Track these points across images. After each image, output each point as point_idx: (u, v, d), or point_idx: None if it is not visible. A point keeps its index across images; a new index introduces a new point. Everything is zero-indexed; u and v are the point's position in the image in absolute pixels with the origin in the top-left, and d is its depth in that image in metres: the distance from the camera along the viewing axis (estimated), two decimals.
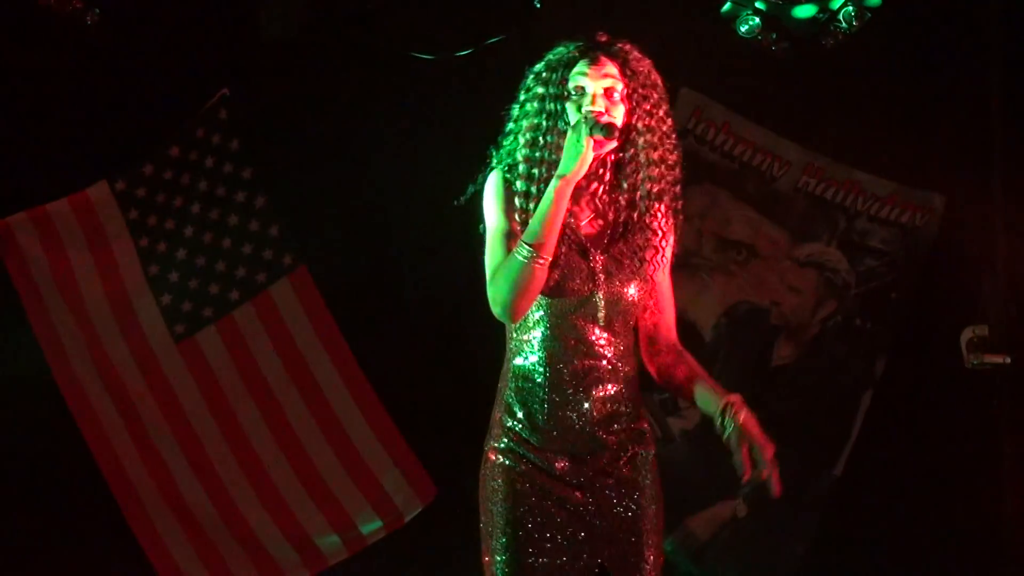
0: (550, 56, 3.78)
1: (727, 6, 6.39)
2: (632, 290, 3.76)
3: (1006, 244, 6.08)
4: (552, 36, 6.08)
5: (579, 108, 3.66)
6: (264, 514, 6.68)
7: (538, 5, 6.42)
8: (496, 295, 3.59)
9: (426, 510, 6.57)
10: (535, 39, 6.36)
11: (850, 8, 6.27)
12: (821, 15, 6.26)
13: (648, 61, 3.79)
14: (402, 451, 6.63)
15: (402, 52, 6.55)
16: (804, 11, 6.26)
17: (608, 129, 3.59)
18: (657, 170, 3.76)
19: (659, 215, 3.80)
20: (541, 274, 3.56)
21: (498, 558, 3.72)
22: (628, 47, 3.79)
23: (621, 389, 3.78)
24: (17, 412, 6.55)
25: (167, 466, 6.67)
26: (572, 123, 3.62)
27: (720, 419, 3.77)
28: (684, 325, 6.63)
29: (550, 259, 3.57)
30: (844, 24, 6.27)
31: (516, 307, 3.59)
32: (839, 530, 6.59)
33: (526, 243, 3.54)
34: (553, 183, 3.56)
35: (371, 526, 6.69)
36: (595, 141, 3.59)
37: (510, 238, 3.64)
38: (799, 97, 6.55)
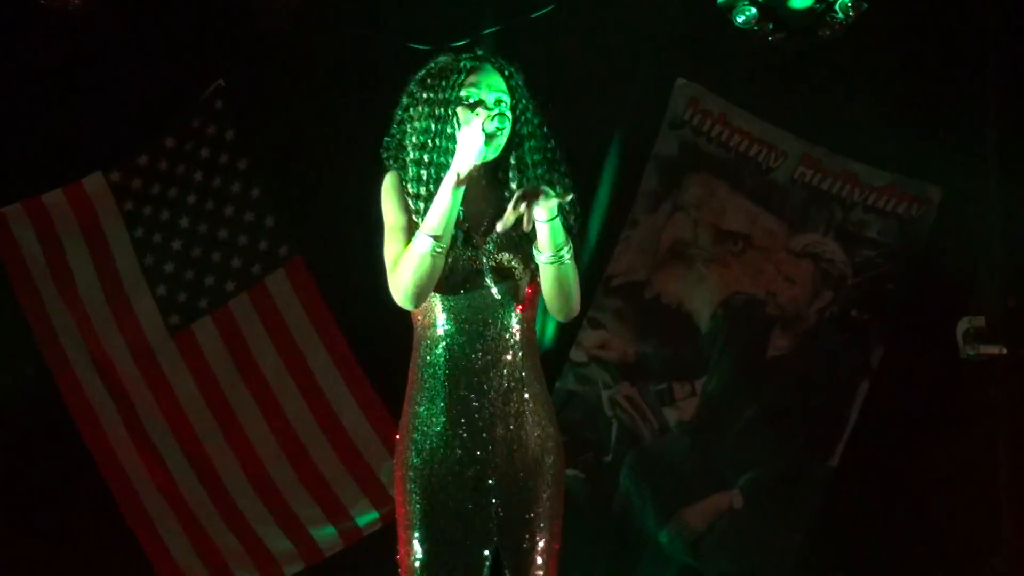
0: (432, 66, 4.01)
1: None
2: (522, 276, 3.95)
3: (1002, 235, 6.08)
4: (546, 27, 6.11)
5: (470, 113, 3.89)
6: (260, 505, 6.68)
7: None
8: (398, 284, 3.86)
9: None
10: (531, 29, 6.38)
11: None
12: (818, 5, 6.24)
13: (522, 74, 4.04)
14: None
15: (398, 42, 6.53)
16: (801, 1, 6.24)
17: (500, 123, 3.83)
18: (542, 169, 3.99)
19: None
20: (439, 262, 3.81)
21: (416, 548, 3.88)
22: (506, 61, 4.04)
23: (523, 374, 3.96)
24: (12, 402, 6.54)
25: (162, 457, 6.67)
26: (466, 124, 3.84)
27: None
28: (681, 316, 6.70)
29: (447, 248, 3.81)
30: (841, 15, 6.25)
31: (417, 294, 3.85)
32: (835, 520, 6.59)
33: (424, 233, 3.79)
34: (448, 177, 3.79)
35: (367, 517, 6.70)
36: (487, 136, 3.81)
37: (407, 232, 3.90)
38: (796, 88, 6.54)
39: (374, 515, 6.69)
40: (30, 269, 6.68)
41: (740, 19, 6.33)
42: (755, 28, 6.35)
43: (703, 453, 6.68)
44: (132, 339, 6.69)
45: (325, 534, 6.70)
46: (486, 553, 3.87)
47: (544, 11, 6.44)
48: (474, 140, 3.76)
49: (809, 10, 6.27)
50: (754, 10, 6.30)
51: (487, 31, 6.46)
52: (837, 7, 6.25)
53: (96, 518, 6.65)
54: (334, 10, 6.65)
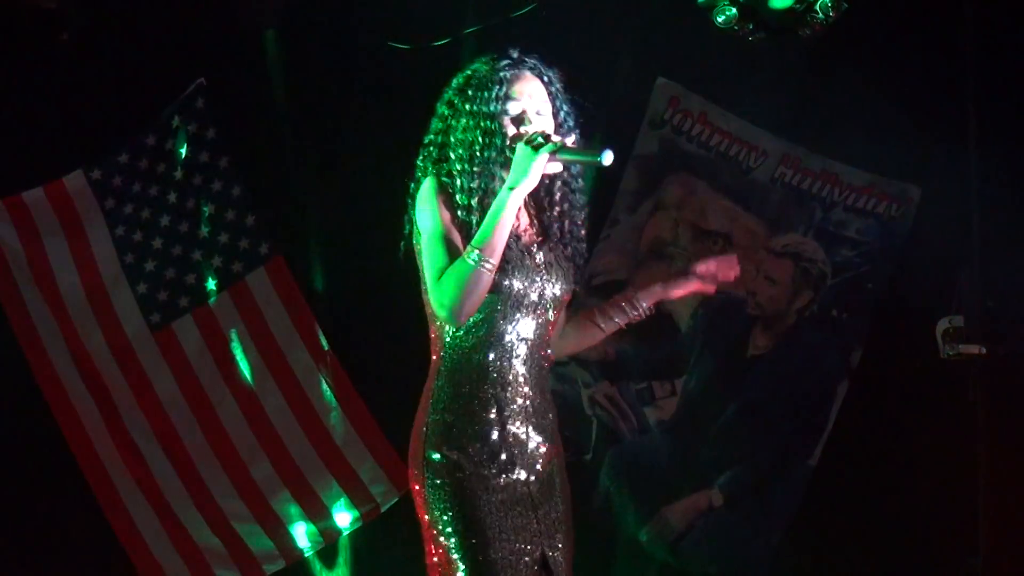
0: (471, 75, 3.92)
1: None
2: (561, 291, 3.93)
3: (981, 235, 6.08)
4: (527, 26, 6.10)
5: (519, 126, 3.81)
6: (241, 504, 6.68)
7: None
8: (443, 298, 3.70)
9: (403, 500, 6.57)
10: (511, 28, 6.38)
11: None
12: (798, 5, 6.24)
13: (560, 73, 3.97)
14: (378, 441, 6.64)
15: (379, 42, 6.54)
16: (781, 1, 6.22)
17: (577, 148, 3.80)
18: (579, 182, 3.98)
19: (579, 224, 4.02)
20: (488, 279, 3.69)
21: (467, 557, 3.75)
22: (546, 63, 3.95)
23: (547, 386, 3.96)
24: None
25: (143, 456, 6.67)
26: (524, 139, 3.73)
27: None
28: (660, 316, 6.69)
29: (497, 265, 3.69)
30: (821, 15, 6.25)
31: (463, 310, 3.70)
32: (815, 519, 6.60)
33: (476, 248, 3.67)
34: (505, 194, 3.69)
35: (348, 516, 6.70)
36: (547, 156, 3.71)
37: (451, 242, 3.76)
38: (776, 88, 6.55)
39: (355, 513, 6.69)
40: (10, 267, 6.67)
41: (720, 19, 6.32)
42: (735, 28, 6.35)
43: (683, 452, 6.69)
44: (113, 337, 6.69)
45: (306, 533, 6.70)
46: (532, 560, 3.80)
47: (525, 10, 6.44)
48: (532, 158, 3.67)
49: (789, 10, 6.26)
50: (734, 10, 6.30)
51: (468, 30, 6.46)
52: (817, 7, 6.25)
53: (77, 516, 6.64)
54: (315, 9, 6.64)
